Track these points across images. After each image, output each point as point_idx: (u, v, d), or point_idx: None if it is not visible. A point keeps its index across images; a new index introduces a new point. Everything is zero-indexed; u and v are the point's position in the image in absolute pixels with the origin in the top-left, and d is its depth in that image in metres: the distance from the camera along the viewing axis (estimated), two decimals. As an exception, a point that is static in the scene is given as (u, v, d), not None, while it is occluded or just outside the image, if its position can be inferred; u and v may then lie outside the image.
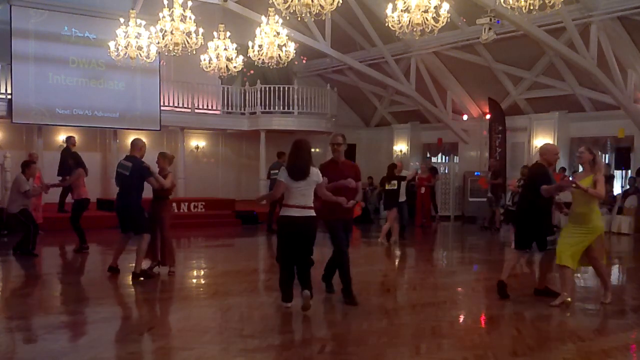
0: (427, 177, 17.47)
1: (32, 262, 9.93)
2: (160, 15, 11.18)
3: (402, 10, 8.77)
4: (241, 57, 13.08)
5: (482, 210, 17.10)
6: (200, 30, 11.55)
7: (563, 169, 16.19)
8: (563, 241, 6.97)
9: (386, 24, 9.17)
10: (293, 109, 19.74)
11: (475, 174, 18.71)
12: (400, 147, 21.51)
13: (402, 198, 13.11)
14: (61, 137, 18.23)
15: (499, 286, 7.44)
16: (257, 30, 11.88)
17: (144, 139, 20.88)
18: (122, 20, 12.30)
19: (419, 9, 8.68)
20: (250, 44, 11.93)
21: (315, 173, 6.51)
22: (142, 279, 8.26)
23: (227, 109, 20.07)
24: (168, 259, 8.73)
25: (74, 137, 15.15)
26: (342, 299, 7.01)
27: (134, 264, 8.41)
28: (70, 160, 11.14)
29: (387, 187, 12.93)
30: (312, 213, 6.50)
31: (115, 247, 8.95)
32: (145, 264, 8.56)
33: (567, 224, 7.16)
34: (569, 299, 6.94)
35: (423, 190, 17.25)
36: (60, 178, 14.24)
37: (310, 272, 6.60)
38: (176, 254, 9.00)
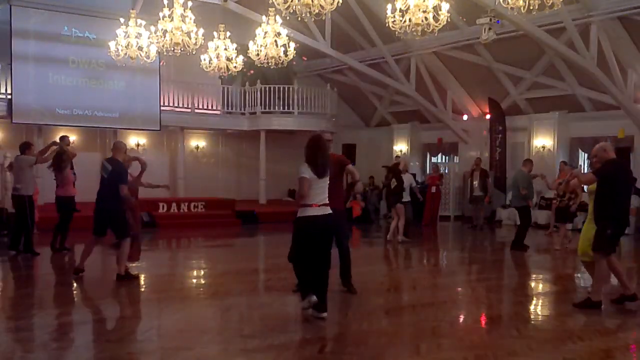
0: (438, 177, 17.60)
1: (32, 262, 9.93)
2: (161, 15, 11.17)
3: (400, 10, 8.77)
4: (241, 57, 13.08)
5: (476, 210, 17.17)
6: (201, 30, 11.55)
7: (564, 163, 15.85)
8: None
9: (386, 24, 9.17)
10: (293, 109, 19.74)
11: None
12: (400, 147, 21.51)
13: (406, 198, 13.36)
14: (59, 137, 18.20)
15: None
16: (258, 30, 11.88)
17: (144, 139, 20.91)
18: (122, 20, 12.29)
19: (419, 9, 8.68)
20: (251, 44, 11.92)
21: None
22: (126, 279, 8.17)
23: (227, 109, 20.07)
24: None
25: (67, 137, 15.10)
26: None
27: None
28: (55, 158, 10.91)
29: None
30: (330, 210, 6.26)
31: (84, 248, 8.61)
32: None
33: (586, 223, 7.19)
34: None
35: (434, 189, 17.33)
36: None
37: (328, 276, 6.31)
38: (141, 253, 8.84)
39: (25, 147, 10.61)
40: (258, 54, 11.82)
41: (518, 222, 12.45)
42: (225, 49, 12.82)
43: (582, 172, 7.41)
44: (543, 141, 17.59)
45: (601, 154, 6.90)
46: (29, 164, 10.37)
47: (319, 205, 6.12)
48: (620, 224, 6.82)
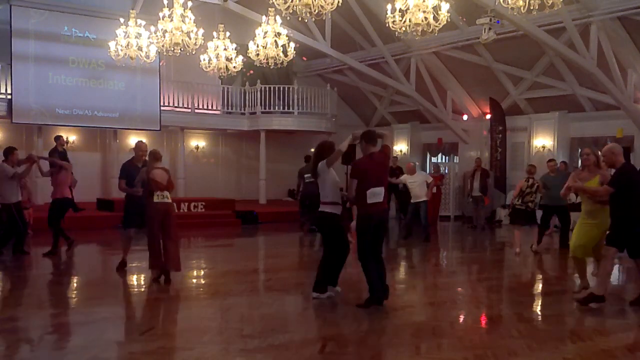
0: (440, 177, 17.59)
1: (32, 262, 9.92)
2: (160, 15, 11.17)
3: (400, 10, 8.76)
4: (241, 57, 13.08)
5: (474, 210, 17.14)
6: (200, 30, 11.55)
7: (564, 163, 15.80)
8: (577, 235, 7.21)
9: (386, 24, 9.17)
10: (293, 109, 19.75)
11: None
12: (400, 147, 21.50)
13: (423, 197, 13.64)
14: (54, 137, 18.19)
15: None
16: (257, 30, 11.88)
17: (144, 139, 20.98)
18: (122, 20, 12.29)
19: (419, 9, 8.68)
20: (251, 44, 11.92)
21: (321, 169, 6.96)
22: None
23: (227, 109, 20.08)
24: (150, 263, 8.28)
25: (62, 137, 15.08)
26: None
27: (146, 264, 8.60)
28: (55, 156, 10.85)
29: None
30: (324, 208, 7.04)
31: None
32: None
33: (579, 219, 7.33)
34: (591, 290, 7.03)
35: (435, 189, 17.32)
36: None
37: (329, 266, 7.12)
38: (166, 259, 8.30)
39: (8, 153, 10.08)
40: (258, 54, 11.83)
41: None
42: (225, 49, 12.82)
43: (585, 184, 7.37)
44: (543, 141, 17.59)
45: (609, 157, 6.90)
46: (7, 175, 9.84)
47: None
48: None
